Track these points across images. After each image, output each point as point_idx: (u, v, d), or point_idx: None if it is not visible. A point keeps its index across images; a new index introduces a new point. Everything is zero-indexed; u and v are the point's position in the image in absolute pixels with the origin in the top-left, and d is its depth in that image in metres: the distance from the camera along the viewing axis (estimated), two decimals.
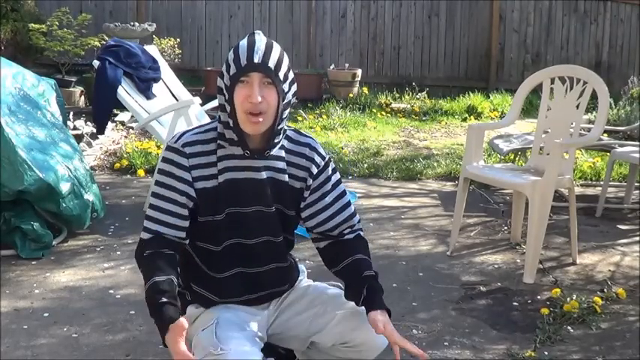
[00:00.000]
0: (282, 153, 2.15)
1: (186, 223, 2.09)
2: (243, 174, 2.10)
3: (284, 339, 2.28)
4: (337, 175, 2.25)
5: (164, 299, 1.94)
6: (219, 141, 2.08)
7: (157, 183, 2.10)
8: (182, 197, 2.07)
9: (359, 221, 2.28)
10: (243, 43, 2.02)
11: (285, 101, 2.05)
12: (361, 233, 2.27)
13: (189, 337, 2.07)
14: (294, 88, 2.09)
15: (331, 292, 2.26)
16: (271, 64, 1.99)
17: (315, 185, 2.19)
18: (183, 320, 1.92)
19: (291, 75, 2.07)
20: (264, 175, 2.11)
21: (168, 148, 2.09)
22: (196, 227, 2.12)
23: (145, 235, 2.08)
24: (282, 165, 2.14)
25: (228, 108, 2.03)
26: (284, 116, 2.07)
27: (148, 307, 1.98)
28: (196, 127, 2.15)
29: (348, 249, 2.21)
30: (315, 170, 2.18)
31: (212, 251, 2.15)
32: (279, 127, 2.06)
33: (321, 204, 2.20)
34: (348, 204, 2.25)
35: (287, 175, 2.15)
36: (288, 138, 2.17)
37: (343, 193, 2.25)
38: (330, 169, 2.22)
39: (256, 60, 1.98)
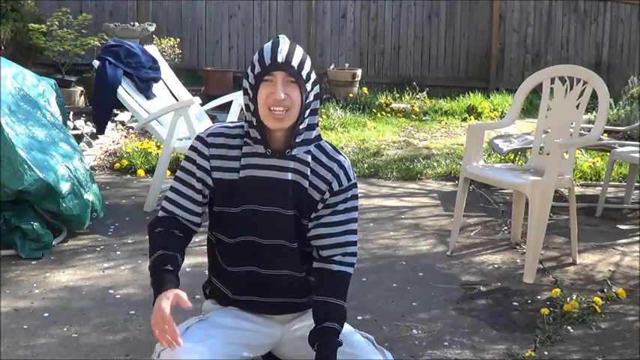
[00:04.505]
0: (309, 159, 2.16)
1: (200, 209, 2.18)
2: (265, 172, 2.13)
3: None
4: (355, 203, 2.23)
5: (170, 267, 2.04)
6: (245, 139, 2.14)
7: (180, 167, 2.20)
8: (199, 184, 2.15)
9: (353, 255, 2.23)
10: (268, 44, 2.09)
11: (308, 100, 2.09)
12: (347, 269, 2.21)
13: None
14: (316, 89, 2.13)
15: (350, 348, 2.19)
16: (294, 63, 2.06)
17: (331, 202, 2.18)
18: (180, 291, 1.98)
19: (313, 76, 2.12)
20: (289, 176, 2.13)
21: (197, 137, 2.19)
22: (212, 216, 2.20)
23: (161, 214, 2.20)
24: (306, 170, 2.15)
25: (252, 107, 2.09)
26: (306, 115, 2.10)
27: (151, 275, 2.07)
28: (228, 122, 2.25)
29: (325, 284, 2.18)
30: (336, 187, 2.18)
31: (226, 243, 2.19)
32: (300, 127, 2.10)
33: (327, 219, 2.18)
34: (352, 232, 2.22)
35: (308, 182, 2.15)
36: (321, 148, 2.19)
37: (352, 221, 2.22)
38: (351, 193, 2.21)
39: (280, 59, 2.04)
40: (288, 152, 2.11)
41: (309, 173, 2.15)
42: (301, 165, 2.14)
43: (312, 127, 2.15)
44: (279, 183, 2.12)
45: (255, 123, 2.09)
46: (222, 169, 2.14)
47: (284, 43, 2.08)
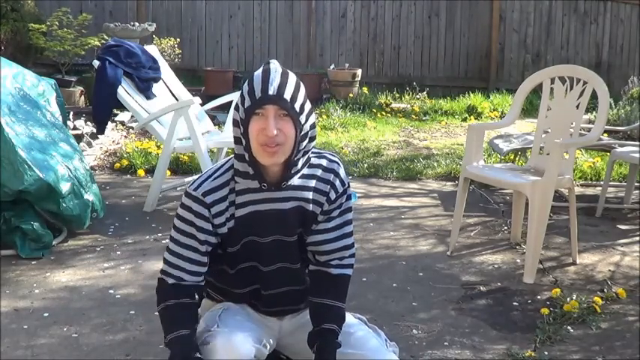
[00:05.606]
0: (312, 183, 2.12)
1: (205, 269, 2.11)
2: (263, 206, 2.07)
3: (292, 353, 2.31)
4: (349, 204, 2.21)
5: (198, 355, 1.99)
6: (235, 177, 2.06)
7: (178, 230, 2.09)
8: (203, 246, 2.08)
9: (351, 256, 2.23)
10: (258, 74, 1.98)
11: (303, 133, 2.00)
12: (346, 271, 2.21)
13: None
14: (311, 119, 2.04)
15: (349, 330, 2.21)
16: (287, 96, 1.95)
17: (327, 209, 2.17)
18: None
19: (307, 106, 2.02)
20: (288, 205, 2.09)
21: (188, 196, 2.07)
22: (213, 255, 2.14)
23: (169, 280, 2.09)
24: (309, 195, 2.12)
25: (243, 141, 2.00)
26: (301, 147, 2.02)
27: (175, 356, 2.01)
28: (215, 171, 2.11)
29: (324, 287, 2.18)
30: (333, 196, 2.16)
31: (227, 273, 2.18)
32: (295, 159, 2.02)
33: (322, 225, 2.17)
34: (348, 235, 2.21)
35: (311, 204, 2.13)
36: (314, 165, 2.14)
37: (347, 223, 2.21)
38: (345, 197, 2.19)
39: (271, 92, 1.93)
40: (284, 184, 2.06)
41: (311, 196, 2.12)
42: (302, 191, 2.10)
43: (307, 152, 2.08)
44: (279, 214, 2.08)
45: (247, 157, 2.00)
46: (226, 221, 2.07)
47: (275, 72, 1.96)
